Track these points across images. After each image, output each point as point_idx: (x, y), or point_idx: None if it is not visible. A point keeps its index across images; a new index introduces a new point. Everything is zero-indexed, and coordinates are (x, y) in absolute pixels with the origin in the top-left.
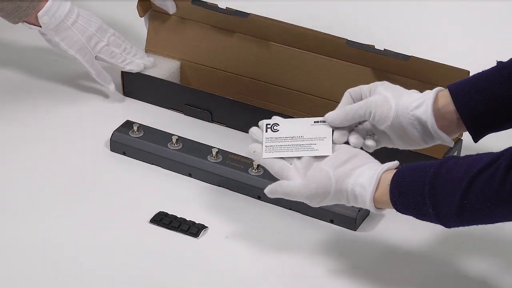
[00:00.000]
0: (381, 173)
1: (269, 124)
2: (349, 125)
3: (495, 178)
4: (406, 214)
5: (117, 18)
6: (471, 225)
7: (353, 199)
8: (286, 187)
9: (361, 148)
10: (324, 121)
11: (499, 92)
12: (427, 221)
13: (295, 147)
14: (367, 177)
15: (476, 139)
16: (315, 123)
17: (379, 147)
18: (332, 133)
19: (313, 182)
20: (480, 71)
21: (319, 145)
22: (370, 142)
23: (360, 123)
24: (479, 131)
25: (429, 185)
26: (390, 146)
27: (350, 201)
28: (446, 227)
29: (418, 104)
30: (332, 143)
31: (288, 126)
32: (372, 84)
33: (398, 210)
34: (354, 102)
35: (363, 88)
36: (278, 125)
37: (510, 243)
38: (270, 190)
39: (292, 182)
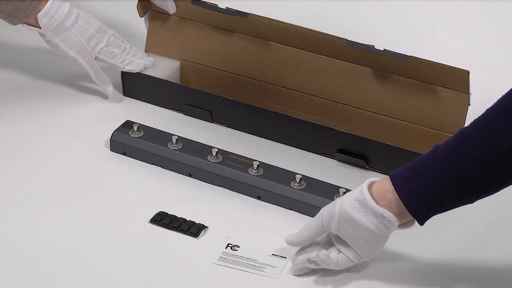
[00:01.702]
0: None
1: (231, 244)
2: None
3: None
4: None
5: (117, 18)
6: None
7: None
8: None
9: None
10: (282, 256)
11: (432, 171)
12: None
13: (246, 265)
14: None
15: (421, 221)
16: (272, 255)
17: (342, 266)
18: (285, 265)
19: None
20: (479, 71)
21: (269, 269)
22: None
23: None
24: (421, 213)
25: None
26: (352, 257)
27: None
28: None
29: (357, 189)
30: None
31: (247, 250)
32: None
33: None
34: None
35: None
36: (239, 247)
37: (510, 242)
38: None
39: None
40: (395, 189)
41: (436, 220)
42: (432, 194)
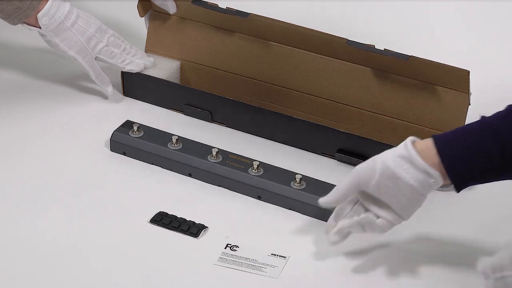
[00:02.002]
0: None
1: (230, 244)
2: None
3: None
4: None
5: (117, 18)
6: None
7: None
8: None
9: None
10: (282, 256)
11: (479, 143)
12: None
13: (246, 265)
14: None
15: (458, 188)
16: (272, 255)
17: (386, 229)
18: (285, 264)
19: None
20: (479, 70)
21: (269, 269)
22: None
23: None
24: (460, 178)
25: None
26: (392, 219)
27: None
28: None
29: (400, 147)
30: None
31: (247, 250)
32: None
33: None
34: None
35: None
36: (238, 247)
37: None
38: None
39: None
40: (438, 153)
41: (438, 220)
42: (474, 165)
